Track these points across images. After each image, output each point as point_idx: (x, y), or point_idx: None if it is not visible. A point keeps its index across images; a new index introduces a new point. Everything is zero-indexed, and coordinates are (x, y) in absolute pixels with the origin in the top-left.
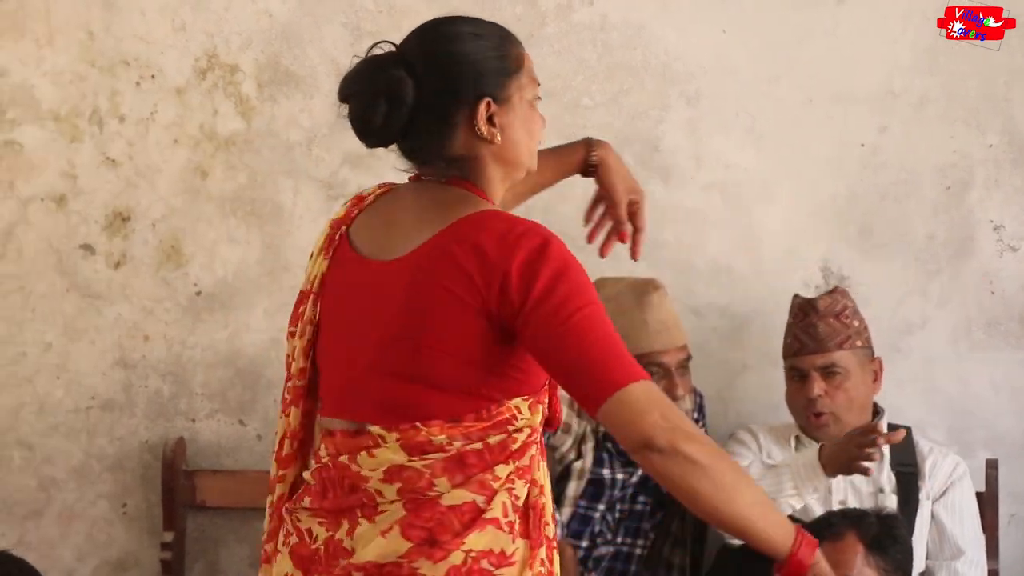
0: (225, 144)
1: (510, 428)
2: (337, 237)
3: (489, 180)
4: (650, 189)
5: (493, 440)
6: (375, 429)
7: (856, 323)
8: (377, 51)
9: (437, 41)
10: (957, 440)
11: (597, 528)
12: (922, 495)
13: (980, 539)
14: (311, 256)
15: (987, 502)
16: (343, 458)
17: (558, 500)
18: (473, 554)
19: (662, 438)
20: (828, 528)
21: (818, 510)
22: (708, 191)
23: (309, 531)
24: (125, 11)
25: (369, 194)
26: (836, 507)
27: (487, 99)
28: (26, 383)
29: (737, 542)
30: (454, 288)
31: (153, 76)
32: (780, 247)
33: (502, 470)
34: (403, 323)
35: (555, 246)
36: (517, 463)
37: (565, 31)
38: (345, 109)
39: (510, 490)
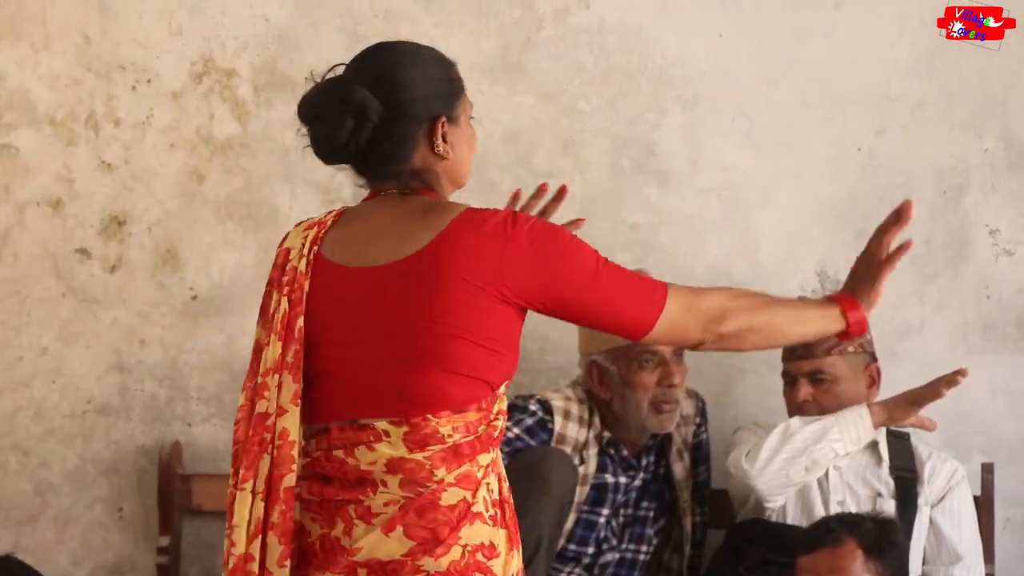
0: (221, 148)
1: (491, 416)
2: (311, 255)
3: (442, 191)
4: (647, 193)
5: (482, 430)
6: (381, 424)
7: None
8: (331, 74)
9: (397, 64)
10: (954, 444)
11: (602, 534)
12: (920, 500)
13: (978, 545)
14: (278, 281)
15: (983, 506)
16: (338, 452)
17: None
18: (469, 548)
19: (705, 334)
20: (828, 534)
21: (818, 510)
22: (705, 195)
23: (302, 526)
24: (122, 15)
25: (327, 218)
26: (834, 508)
27: (443, 118)
28: (22, 387)
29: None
30: (471, 278)
31: (149, 80)
32: (778, 251)
33: (484, 459)
34: (417, 316)
35: (523, 214)
36: (492, 453)
37: (562, 35)
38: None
39: (487, 484)
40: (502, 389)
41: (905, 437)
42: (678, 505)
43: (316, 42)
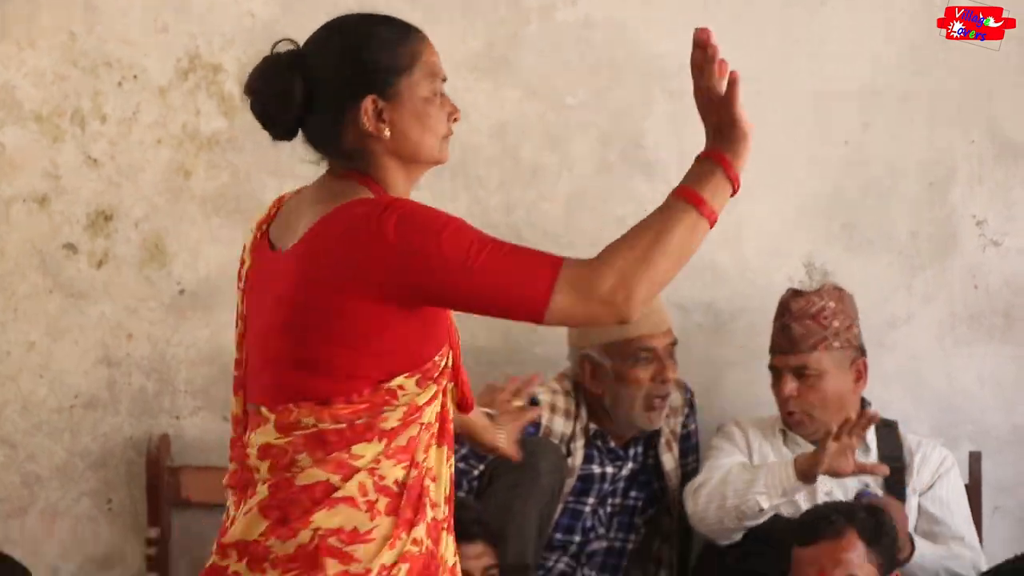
0: (208, 143)
1: (385, 408)
2: (259, 235)
3: (385, 172)
4: (633, 185)
5: (360, 421)
6: (263, 410)
7: (836, 324)
8: (281, 48)
9: (330, 40)
10: (943, 434)
11: (589, 523)
12: (909, 489)
13: (972, 530)
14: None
15: (972, 494)
16: (246, 436)
17: None
18: (321, 532)
19: (619, 314)
20: (828, 525)
21: (803, 503)
22: None
23: (227, 509)
24: (107, 12)
25: (292, 193)
26: (822, 498)
27: (372, 96)
28: (9, 382)
29: (724, 542)
30: (331, 274)
31: (135, 76)
32: (764, 244)
33: (363, 449)
34: (290, 310)
35: (398, 203)
36: (390, 443)
37: (549, 30)
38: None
39: (373, 470)
40: (399, 380)
41: (893, 426)
42: (667, 495)
43: (302, 37)
